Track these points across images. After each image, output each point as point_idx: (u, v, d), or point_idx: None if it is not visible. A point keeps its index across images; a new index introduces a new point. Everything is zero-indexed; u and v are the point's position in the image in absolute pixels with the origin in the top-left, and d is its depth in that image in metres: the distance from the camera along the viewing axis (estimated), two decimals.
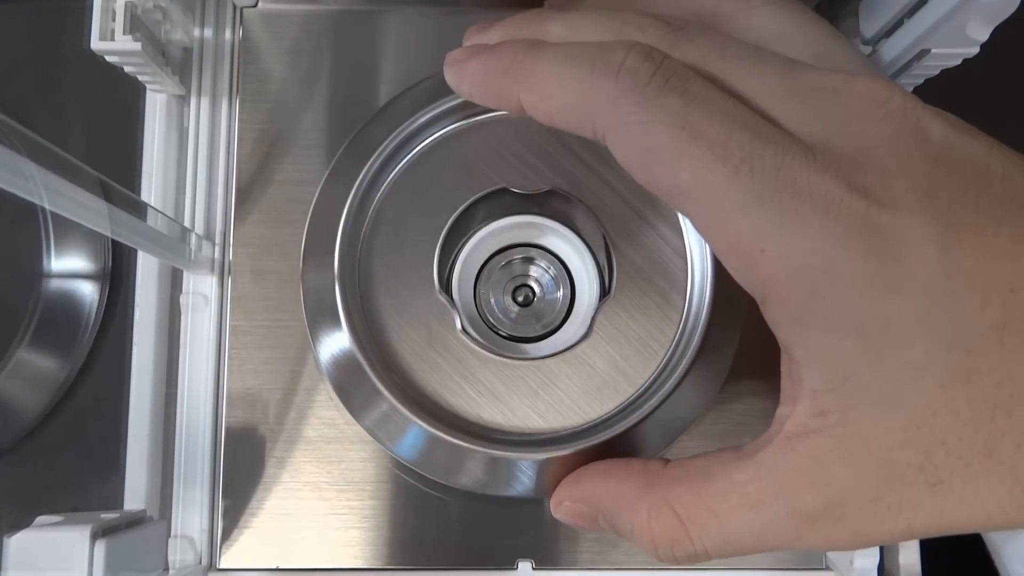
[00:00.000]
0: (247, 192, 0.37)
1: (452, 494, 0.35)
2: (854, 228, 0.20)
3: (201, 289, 0.37)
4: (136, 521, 0.31)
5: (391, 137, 0.32)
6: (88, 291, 0.43)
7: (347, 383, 0.32)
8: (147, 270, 0.36)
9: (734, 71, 0.23)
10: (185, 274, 0.37)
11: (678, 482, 0.24)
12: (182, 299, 0.37)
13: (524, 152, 0.32)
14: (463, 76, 0.26)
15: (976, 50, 0.30)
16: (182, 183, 0.38)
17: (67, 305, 0.43)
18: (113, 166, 0.30)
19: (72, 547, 0.27)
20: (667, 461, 0.26)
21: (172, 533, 0.36)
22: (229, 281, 0.37)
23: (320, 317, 0.32)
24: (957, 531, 0.21)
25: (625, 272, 0.32)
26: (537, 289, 0.34)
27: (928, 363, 0.20)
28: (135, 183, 0.37)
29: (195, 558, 0.35)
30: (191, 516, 0.36)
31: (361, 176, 0.31)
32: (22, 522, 0.28)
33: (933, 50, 0.30)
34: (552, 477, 0.29)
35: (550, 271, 0.34)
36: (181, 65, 0.38)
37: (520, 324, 0.34)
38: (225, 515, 0.36)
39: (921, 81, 0.33)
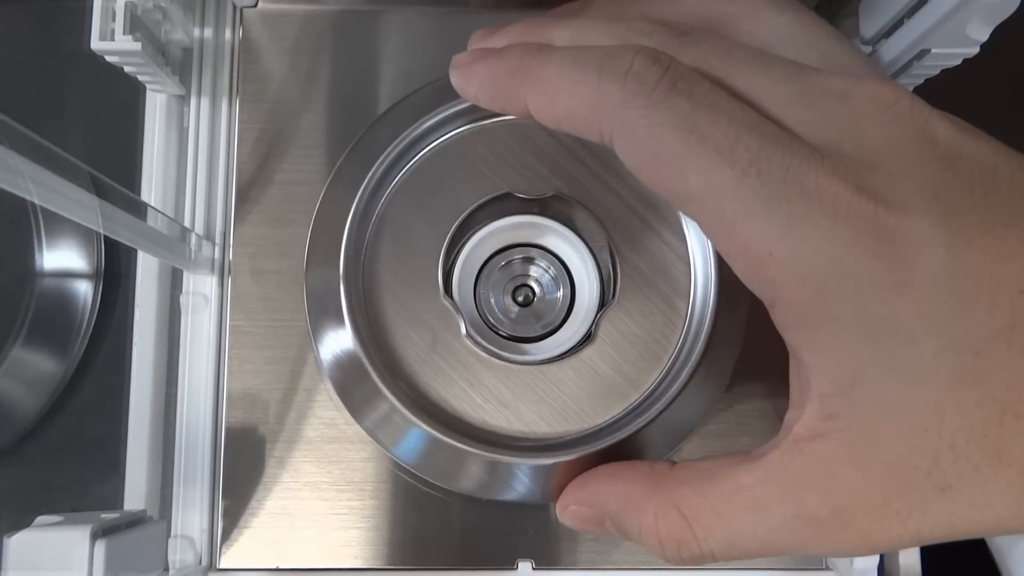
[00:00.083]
0: (247, 192, 0.37)
1: (452, 494, 0.35)
2: (862, 230, 0.20)
3: (201, 289, 0.37)
4: (136, 521, 0.31)
5: (396, 142, 0.32)
6: (82, 289, 0.43)
7: (349, 385, 0.32)
8: (147, 270, 0.36)
9: (740, 75, 0.23)
10: (185, 274, 0.37)
11: (684, 483, 0.24)
12: (182, 299, 0.37)
13: (528, 157, 0.32)
14: (469, 79, 0.26)
15: (976, 50, 0.30)
16: (182, 183, 0.38)
17: (61, 303, 0.43)
18: (113, 166, 0.30)
19: (72, 547, 0.27)
20: (674, 463, 0.26)
21: (172, 533, 0.36)
22: (229, 281, 0.37)
23: (323, 320, 0.32)
24: (966, 536, 0.21)
25: (629, 277, 0.32)
26: (537, 289, 0.34)
27: (936, 365, 0.20)
28: (135, 183, 0.37)
29: (195, 558, 0.35)
30: (191, 516, 0.36)
31: (366, 180, 0.31)
32: (22, 522, 0.28)
33: (933, 50, 0.31)
34: (557, 482, 0.29)
35: (550, 271, 0.34)
36: (181, 65, 0.38)
37: (520, 324, 0.34)
38: (225, 515, 0.35)
39: (921, 81, 0.33)
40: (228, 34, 0.38)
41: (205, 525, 0.36)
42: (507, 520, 0.36)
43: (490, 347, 0.31)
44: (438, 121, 0.32)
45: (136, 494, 0.35)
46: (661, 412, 0.30)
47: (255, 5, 0.38)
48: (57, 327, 0.43)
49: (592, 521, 0.28)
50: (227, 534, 0.35)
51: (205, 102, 0.38)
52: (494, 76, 0.25)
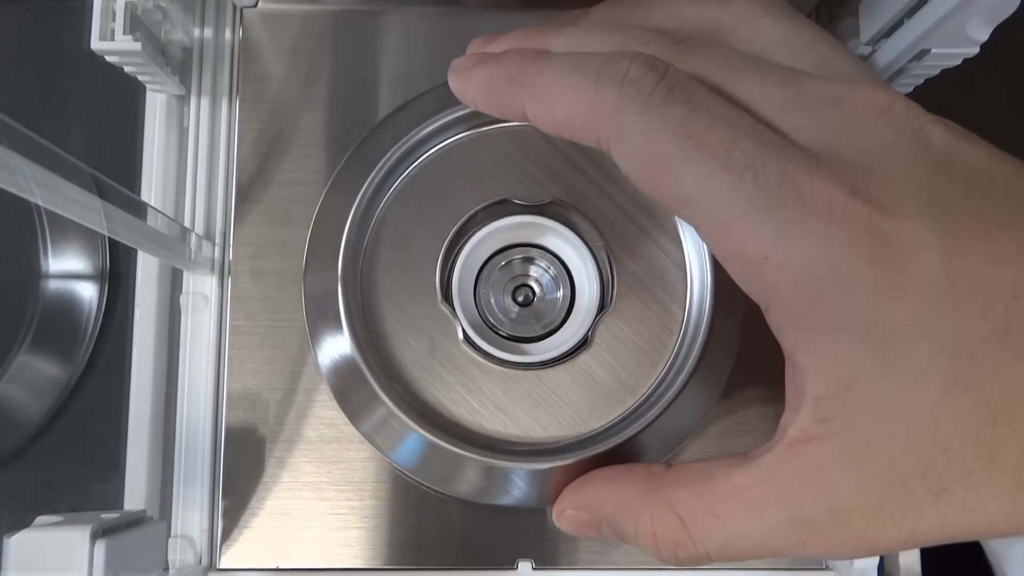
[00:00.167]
0: (247, 192, 0.37)
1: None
2: (858, 234, 0.20)
3: (201, 289, 0.37)
4: (136, 521, 0.31)
5: (395, 147, 0.32)
6: (87, 292, 0.43)
7: (347, 389, 0.32)
8: (147, 270, 0.36)
9: (736, 81, 0.23)
10: (185, 274, 0.37)
11: (680, 485, 0.24)
12: (182, 299, 0.37)
13: (526, 163, 0.32)
14: (468, 84, 0.26)
15: (976, 50, 0.30)
16: (182, 183, 0.38)
17: (66, 307, 0.43)
18: (113, 166, 0.30)
19: (72, 547, 0.27)
20: (670, 465, 0.26)
21: (172, 533, 0.36)
22: (229, 281, 0.37)
23: (321, 325, 0.32)
24: (960, 539, 0.21)
25: (625, 283, 0.32)
26: (537, 289, 0.34)
27: (930, 368, 0.20)
28: (135, 183, 0.37)
29: (195, 558, 0.35)
30: (191, 516, 0.36)
31: (365, 185, 0.31)
32: (22, 522, 0.28)
33: (933, 50, 0.31)
34: (554, 487, 0.29)
35: (550, 271, 0.34)
36: (181, 65, 0.38)
37: (520, 324, 0.34)
38: (225, 515, 0.36)
39: (921, 81, 0.33)
40: (228, 34, 0.38)
41: (205, 525, 0.36)
42: (507, 520, 0.36)
43: (488, 350, 0.31)
44: (437, 127, 0.32)
45: (136, 494, 0.35)
46: (657, 417, 0.30)
47: (255, 5, 0.38)
48: (62, 332, 0.43)
49: (589, 525, 0.28)
50: (227, 534, 0.35)
51: (205, 102, 0.38)
52: (492, 81, 0.25)
